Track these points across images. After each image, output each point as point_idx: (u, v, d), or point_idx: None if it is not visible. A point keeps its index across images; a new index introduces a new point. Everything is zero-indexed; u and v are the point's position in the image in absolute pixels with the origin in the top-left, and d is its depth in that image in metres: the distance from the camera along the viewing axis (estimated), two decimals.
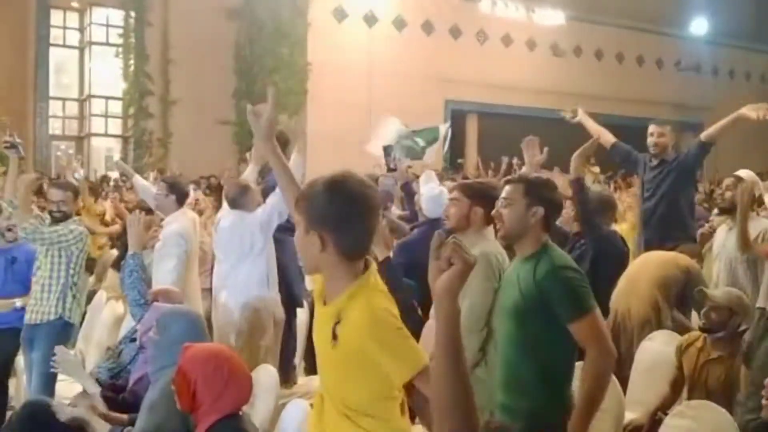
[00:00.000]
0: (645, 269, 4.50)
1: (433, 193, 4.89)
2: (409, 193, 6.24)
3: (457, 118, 18.08)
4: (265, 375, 3.35)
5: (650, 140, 5.46)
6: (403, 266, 4.18)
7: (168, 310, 3.30)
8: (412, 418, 2.25)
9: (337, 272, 2.03)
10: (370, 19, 16.54)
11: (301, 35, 15.10)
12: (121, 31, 14.94)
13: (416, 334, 2.34)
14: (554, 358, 2.63)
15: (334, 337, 2.02)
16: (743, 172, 4.81)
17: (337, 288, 2.03)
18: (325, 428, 2.12)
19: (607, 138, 5.73)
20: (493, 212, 2.83)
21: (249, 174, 4.76)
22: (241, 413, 2.72)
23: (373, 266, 2.11)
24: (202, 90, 14.27)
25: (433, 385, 1.64)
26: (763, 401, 2.33)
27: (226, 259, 4.58)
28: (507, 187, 2.79)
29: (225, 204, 4.74)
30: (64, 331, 4.42)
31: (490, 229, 3.29)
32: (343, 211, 2.00)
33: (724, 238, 4.78)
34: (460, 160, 10.09)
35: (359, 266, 2.06)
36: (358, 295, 2.01)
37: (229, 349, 2.95)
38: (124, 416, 3.17)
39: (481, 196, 3.26)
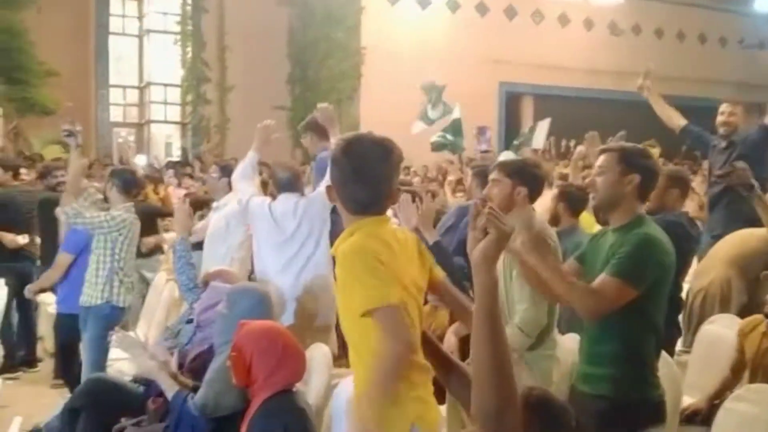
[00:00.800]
0: (722, 247, 4.43)
1: None
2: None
3: (512, 100, 17.87)
4: (319, 353, 3.39)
5: (720, 119, 5.26)
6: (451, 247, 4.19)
7: (238, 287, 3.37)
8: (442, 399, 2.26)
9: (347, 224, 2.20)
10: (424, 2, 16.44)
11: (355, 19, 15.10)
12: (178, 18, 15.19)
13: None
14: (634, 332, 2.59)
15: (336, 277, 2.15)
16: None
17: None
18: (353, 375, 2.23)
19: (677, 120, 5.57)
20: (588, 180, 2.80)
21: (250, 161, 4.58)
22: (294, 390, 2.77)
23: (382, 218, 2.20)
24: (257, 76, 14.41)
25: (472, 354, 1.65)
26: None
27: (295, 242, 4.33)
28: (601, 157, 2.74)
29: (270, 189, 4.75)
30: (112, 315, 4.52)
31: (532, 208, 3.26)
32: (344, 171, 2.17)
33: None
34: (516, 141, 9.97)
35: (371, 211, 2.18)
36: (352, 234, 2.14)
37: (284, 327, 2.99)
38: (190, 382, 3.25)
39: (523, 175, 3.21)
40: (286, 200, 4.30)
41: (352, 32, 15.18)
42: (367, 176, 2.15)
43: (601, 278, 2.53)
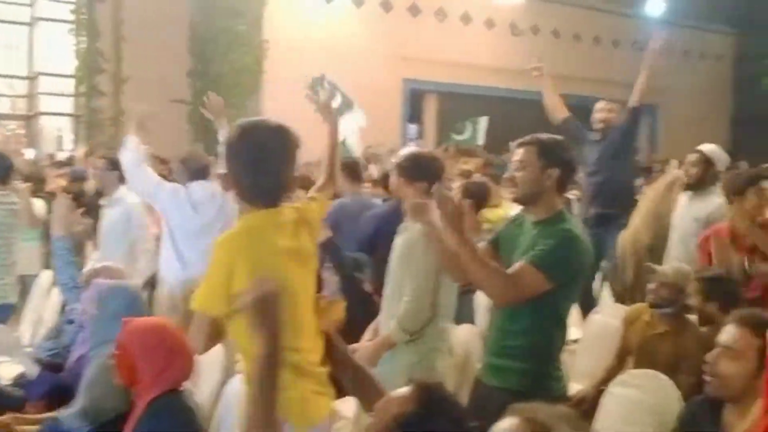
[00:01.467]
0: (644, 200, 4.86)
1: None
2: None
3: (416, 97, 18.03)
4: (211, 351, 3.30)
5: (597, 116, 5.52)
6: (369, 237, 4.18)
7: (107, 285, 3.24)
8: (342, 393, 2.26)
9: (243, 213, 2.21)
10: None
11: (257, 12, 14.84)
12: (72, 6, 14.54)
13: (360, 305, 2.37)
14: (545, 327, 2.62)
15: None
16: (706, 147, 4.86)
17: None
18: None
19: (560, 112, 5.77)
20: (506, 175, 2.81)
21: (133, 146, 4.44)
22: (182, 389, 2.68)
23: (276, 211, 2.17)
24: (155, 68, 13.96)
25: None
26: (707, 379, 2.37)
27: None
28: (519, 150, 2.74)
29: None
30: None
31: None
32: (240, 159, 2.14)
33: (684, 210, 4.80)
34: (458, 137, 9.95)
35: (260, 204, 2.19)
36: (233, 228, 2.17)
37: (172, 323, 2.90)
38: (49, 414, 3.10)
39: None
40: (201, 187, 4.20)
41: (255, 25, 14.91)
42: (264, 163, 2.11)
43: (520, 265, 2.55)
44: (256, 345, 1.70)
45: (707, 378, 2.35)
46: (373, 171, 8.89)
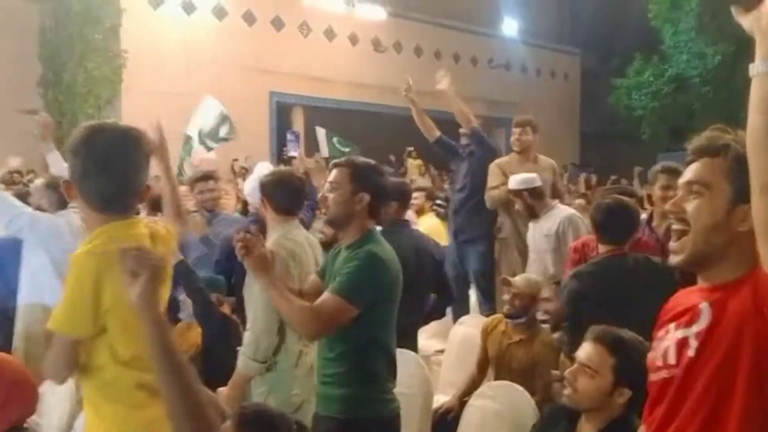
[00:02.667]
0: None
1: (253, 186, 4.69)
2: None
3: (283, 110, 17.94)
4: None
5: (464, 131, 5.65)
6: (225, 257, 4.08)
7: None
8: None
9: (90, 223, 2.06)
10: (189, 7, 15.97)
11: (114, 21, 14.24)
12: None
13: (218, 327, 2.31)
14: (361, 352, 2.59)
15: None
16: (510, 183, 5.02)
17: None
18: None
19: (434, 132, 5.89)
20: (319, 196, 2.76)
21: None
22: (26, 426, 2.51)
23: (131, 222, 2.09)
24: (3, 77, 13.13)
25: (162, 394, 1.64)
26: (565, 391, 2.47)
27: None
28: (334, 171, 2.71)
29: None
30: None
31: (291, 221, 3.22)
32: (85, 163, 2.02)
33: (532, 233, 4.99)
34: (285, 149, 9.96)
35: (113, 215, 2.05)
36: (88, 242, 2.01)
37: (11, 356, 2.70)
38: None
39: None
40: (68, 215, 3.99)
41: (112, 34, 14.30)
42: (111, 167, 2.00)
43: (323, 296, 2.52)
44: (144, 332, 1.63)
45: (565, 391, 2.44)
46: (242, 185, 8.72)
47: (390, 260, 2.63)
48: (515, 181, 4.93)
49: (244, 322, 3.35)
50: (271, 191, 3.16)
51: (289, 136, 7.19)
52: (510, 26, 22.08)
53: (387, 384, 2.67)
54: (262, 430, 1.73)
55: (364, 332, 2.55)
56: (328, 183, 2.71)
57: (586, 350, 2.45)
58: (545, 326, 3.90)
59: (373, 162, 2.80)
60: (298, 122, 18.45)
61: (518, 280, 3.88)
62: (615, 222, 3.45)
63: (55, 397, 2.96)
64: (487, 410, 3.15)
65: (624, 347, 2.38)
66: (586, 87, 23.86)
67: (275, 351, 2.99)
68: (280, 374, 3.01)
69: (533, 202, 4.87)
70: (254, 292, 2.95)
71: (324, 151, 8.64)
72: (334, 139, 8.23)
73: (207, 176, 4.98)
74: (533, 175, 4.95)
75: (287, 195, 3.19)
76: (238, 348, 3.02)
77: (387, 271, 2.60)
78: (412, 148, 14.95)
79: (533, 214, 4.90)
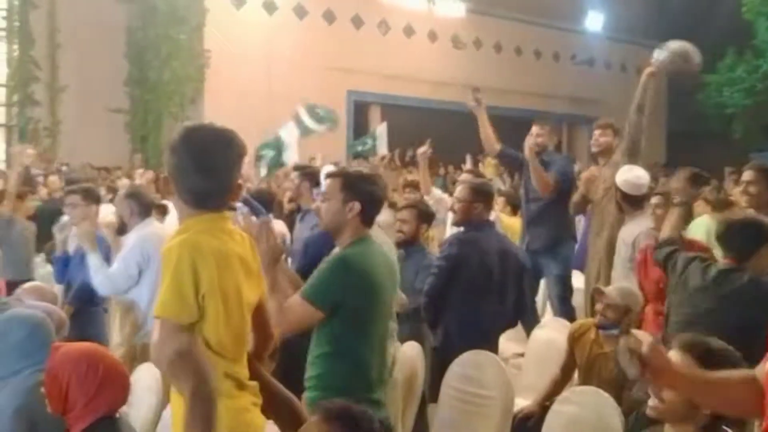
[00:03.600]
0: None
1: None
2: None
3: (360, 109, 18.04)
4: (147, 374, 3.19)
5: (531, 140, 5.54)
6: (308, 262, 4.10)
7: (8, 315, 3.08)
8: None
9: (183, 218, 2.11)
10: (270, 7, 16.24)
11: (198, 20, 14.65)
12: (4, 13, 14.09)
13: None
14: (332, 359, 2.64)
15: None
16: (618, 178, 4.88)
17: None
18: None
19: (493, 143, 5.83)
20: (314, 206, 2.82)
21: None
22: (117, 416, 2.58)
23: (220, 216, 2.13)
24: (92, 76, 13.65)
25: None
26: (650, 402, 2.38)
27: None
28: (327, 181, 2.77)
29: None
30: None
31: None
32: (182, 160, 2.09)
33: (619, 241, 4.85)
34: (360, 148, 9.95)
35: (202, 210, 2.10)
36: (188, 228, 2.06)
37: (104, 348, 2.78)
38: None
39: (354, 191, 3.16)
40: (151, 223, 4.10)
41: (196, 34, 14.71)
42: (207, 166, 2.07)
43: (292, 297, 2.58)
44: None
45: (650, 402, 2.36)
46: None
47: (365, 264, 2.65)
48: (623, 179, 4.77)
49: None
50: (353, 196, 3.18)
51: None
52: (594, 21, 21.50)
53: (374, 390, 2.67)
54: (347, 427, 1.73)
55: (337, 336, 2.59)
56: (321, 193, 2.77)
57: (672, 360, 2.34)
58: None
59: (366, 172, 2.88)
60: (375, 121, 18.51)
61: (612, 290, 3.76)
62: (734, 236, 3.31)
63: (144, 388, 3.04)
64: (570, 416, 3.07)
65: (711, 357, 2.27)
66: (673, 83, 23.06)
67: None
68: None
69: (626, 206, 4.73)
70: None
71: (383, 149, 8.48)
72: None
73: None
74: (643, 182, 4.81)
75: None
76: None
77: (355, 273, 2.61)
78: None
79: (622, 214, 4.79)
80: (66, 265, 4.54)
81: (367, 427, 1.77)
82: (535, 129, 5.63)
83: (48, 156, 12.81)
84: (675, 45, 5.11)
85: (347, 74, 16.82)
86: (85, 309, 4.36)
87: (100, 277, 3.92)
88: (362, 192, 2.68)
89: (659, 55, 5.12)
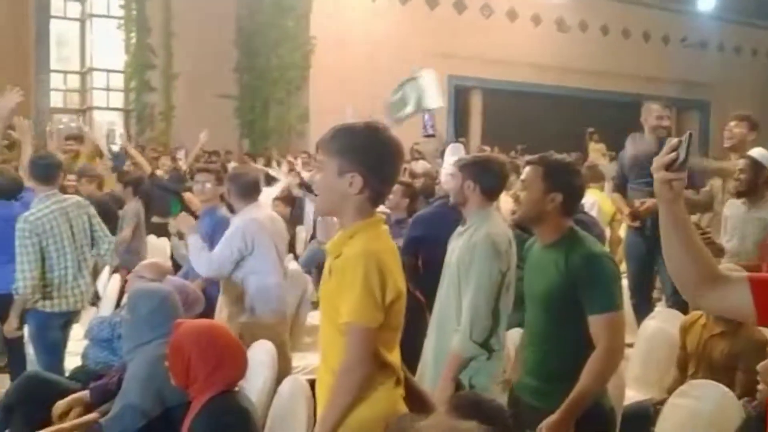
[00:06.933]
0: None
1: (445, 164, 4.56)
2: None
3: (461, 93, 17.93)
4: (262, 350, 3.32)
5: (656, 122, 5.24)
6: (416, 240, 4.11)
7: (138, 289, 3.26)
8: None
9: (354, 211, 2.10)
10: None
11: (305, 8, 14.92)
12: (122, 2, 14.79)
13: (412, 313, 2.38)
14: (585, 346, 2.52)
15: (330, 271, 2.12)
16: (755, 152, 4.66)
17: (346, 227, 2.13)
18: (320, 385, 2.20)
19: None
20: (511, 193, 2.74)
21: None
22: (236, 389, 2.70)
23: (381, 218, 2.16)
24: (203, 63, 14.16)
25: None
26: (759, 386, 2.31)
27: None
28: (526, 169, 2.67)
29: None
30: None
31: (493, 207, 3.21)
32: (381, 151, 2.08)
33: (744, 215, 4.62)
34: (461, 139, 9.86)
35: (371, 209, 2.13)
36: (359, 234, 2.09)
37: (222, 325, 2.92)
38: (93, 415, 3.14)
39: (476, 172, 3.14)
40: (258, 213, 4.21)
41: (302, 21, 15.00)
42: (387, 167, 2.11)
43: (595, 328, 2.49)
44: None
45: (760, 387, 2.28)
46: (417, 168, 8.80)
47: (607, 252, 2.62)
48: (761, 154, 4.53)
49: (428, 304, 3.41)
50: (478, 174, 3.15)
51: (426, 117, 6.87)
52: (706, 1, 20.51)
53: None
54: (477, 418, 1.70)
55: (577, 333, 2.56)
56: (520, 180, 2.69)
57: None
58: None
59: (569, 160, 2.75)
60: (476, 106, 18.36)
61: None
62: None
63: (258, 364, 3.16)
64: (688, 409, 2.99)
65: None
66: None
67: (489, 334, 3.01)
68: (491, 354, 3.04)
69: (757, 178, 4.46)
70: (472, 273, 2.98)
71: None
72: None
73: None
74: None
75: (494, 177, 3.18)
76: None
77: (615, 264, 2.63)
78: (592, 130, 14.38)
79: (751, 191, 4.49)
80: None
81: (500, 421, 1.76)
82: (657, 109, 5.31)
83: (162, 140, 13.41)
84: None
85: (448, 59, 16.72)
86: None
87: (201, 259, 4.04)
88: (565, 183, 2.59)
89: None
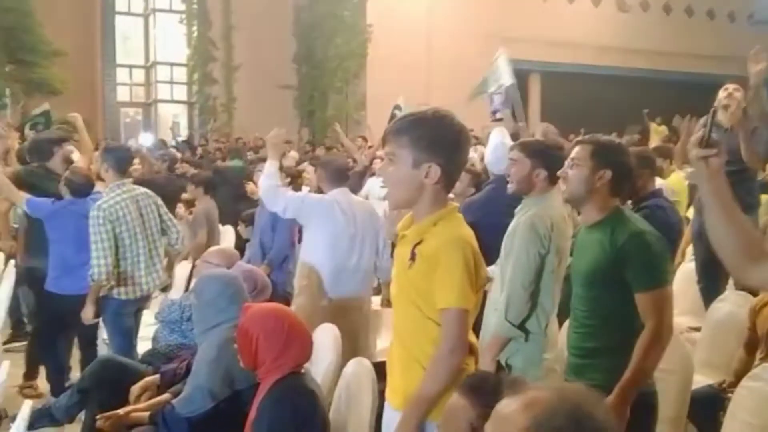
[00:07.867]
0: None
1: (491, 147, 4.52)
2: None
3: (519, 77, 17.67)
4: (327, 333, 3.38)
5: (725, 102, 5.08)
6: (469, 226, 4.09)
7: (203, 274, 3.34)
8: None
9: (431, 200, 2.10)
10: None
11: None
12: None
13: None
14: (631, 325, 2.52)
15: (412, 257, 2.10)
16: None
17: (424, 215, 2.12)
18: (394, 371, 2.22)
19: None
20: (560, 172, 2.72)
21: (270, 171, 4.38)
22: (303, 371, 2.76)
23: (456, 206, 2.19)
24: (263, 55, 14.35)
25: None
26: None
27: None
28: (576, 148, 2.67)
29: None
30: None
31: (554, 191, 3.18)
32: (454, 139, 2.08)
33: None
34: (521, 123, 9.75)
35: (446, 197, 2.15)
36: (442, 221, 2.10)
37: (288, 308, 2.98)
38: (165, 396, 3.24)
39: (543, 156, 3.14)
40: (344, 195, 4.24)
41: (358, 10, 15.05)
42: (460, 154, 2.13)
43: (643, 305, 2.50)
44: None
45: None
46: (472, 154, 8.73)
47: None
48: None
49: None
50: (549, 161, 3.13)
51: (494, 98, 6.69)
52: None
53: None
54: (487, 397, 1.72)
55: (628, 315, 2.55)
56: (569, 159, 2.67)
57: None
58: None
59: (618, 141, 2.76)
60: (534, 89, 18.12)
61: None
62: None
63: (323, 346, 3.22)
64: (760, 393, 2.92)
65: None
66: None
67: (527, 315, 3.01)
68: (528, 337, 3.03)
69: None
70: (512, 256, 2.98)
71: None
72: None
73: None
74: None
75: (557, 162, 3.15)
76: None
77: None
78: (648, 111, 14.01)
79: None
80: None
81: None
82: (733, 90, 5.15)
83: (225, 131, 13.66)
84: None
85: (507, 42, 16.39)
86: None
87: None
88: (613, 161, 2.60)
89: None
